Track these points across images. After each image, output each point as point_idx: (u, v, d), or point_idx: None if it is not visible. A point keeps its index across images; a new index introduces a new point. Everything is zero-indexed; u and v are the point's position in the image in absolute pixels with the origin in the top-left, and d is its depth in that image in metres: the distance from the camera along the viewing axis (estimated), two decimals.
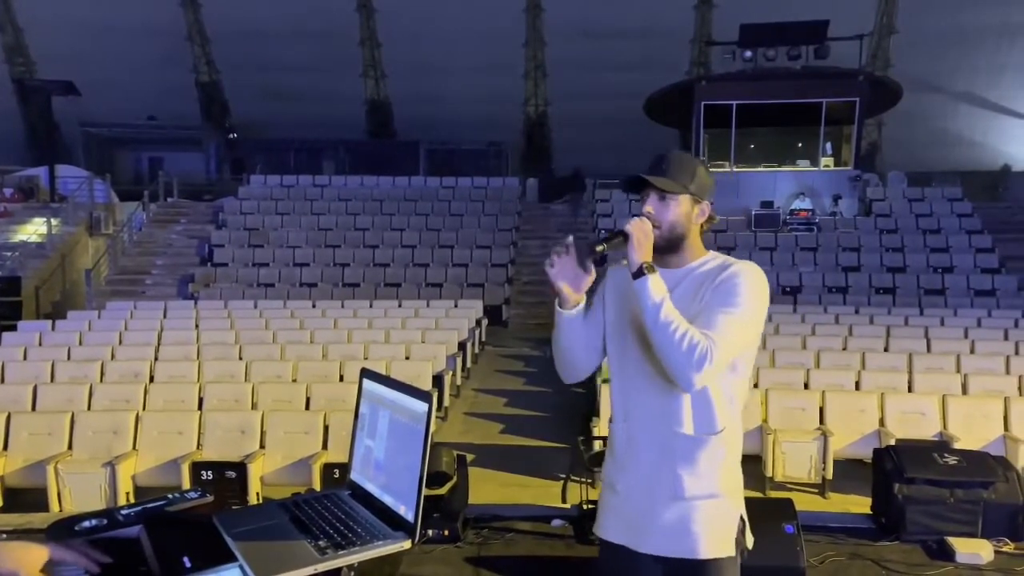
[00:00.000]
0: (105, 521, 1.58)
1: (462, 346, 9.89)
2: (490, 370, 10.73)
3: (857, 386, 7.01)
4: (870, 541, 4.02)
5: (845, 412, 6.27)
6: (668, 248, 2.05)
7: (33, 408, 6.43)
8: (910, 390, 6.92)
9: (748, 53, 18.47)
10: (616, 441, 2.14)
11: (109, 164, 26.31)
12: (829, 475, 5.92)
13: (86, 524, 1.57)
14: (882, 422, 6.21)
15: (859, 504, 5.23)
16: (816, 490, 6.05)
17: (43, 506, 5.36)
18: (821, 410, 6.33)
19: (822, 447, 5.94)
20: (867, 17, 25.45)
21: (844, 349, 8.69)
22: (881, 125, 27.69)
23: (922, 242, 15.69)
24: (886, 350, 8.68)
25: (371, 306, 11.89)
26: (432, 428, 1.45)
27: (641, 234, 1.96)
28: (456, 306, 12.19)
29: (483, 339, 11.95)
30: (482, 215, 17.41)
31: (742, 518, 2.05)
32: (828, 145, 18.72)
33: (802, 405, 6.40)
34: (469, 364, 10.35)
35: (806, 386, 7.04)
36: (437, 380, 7.97)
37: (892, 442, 5.57)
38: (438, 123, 28.16)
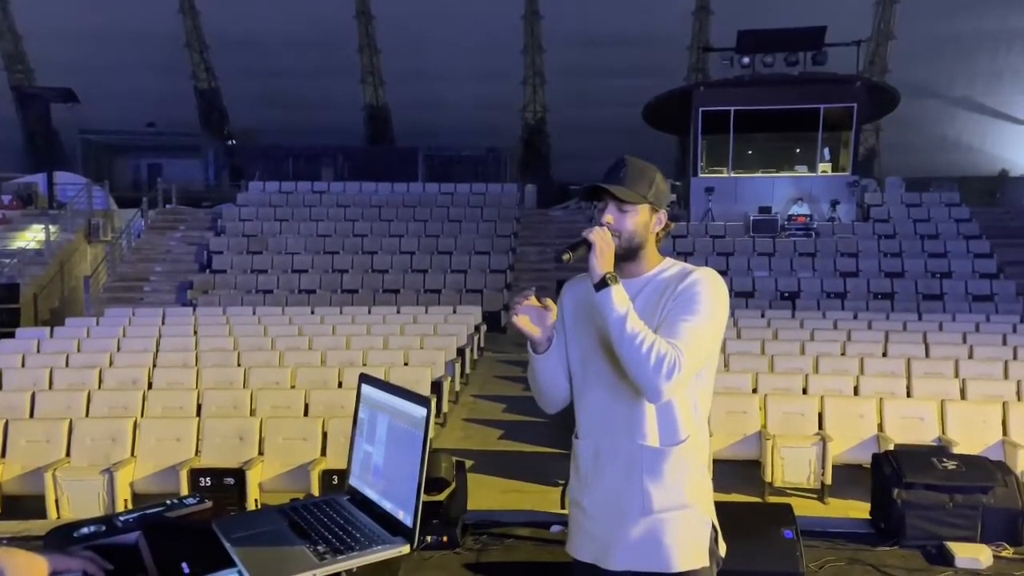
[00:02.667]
0: (104, 528, 1.58)
1: (461, 352, 9.89)
2: (489, 376, 10.73)
3: (856, 391, 7.01)
4: (869, 546, 4.02)
5: (844, 417, 6.27)
6: (626, 257, 2.03)
7: (31, 415, 6.41)
8: (909, 395, 6.92)
9: (746, 59, 18.51)
10: (580, 458, 2.11)
11: (108, 171, 26.33)
12: (828, 480, 5.92)
13: (85, 531, 1.57)
14: (881, 427, 6.20)
15: (858, 509, 5.22)
16: (815, 495, 6.04)
17: (41, 513, 5.34)
18: (820, 415, 6.33)
19: (821, 452, 5.93)
20: (865, 23, 25.57)
21: (843, 354, 8.70)
22: (879, 131, 27.78)
23: (920, 247, 15.71)
24: (885, 355, 8.68)
25: (370, 312, 11.90)
26: (431, 433, 1.45)
27: (603, 243, 1.94)
28: (455, 312, 12.19)
29: (482, 345, 11.95)
30: (481, 221, 17.43)
31: (714, 527, 2.03)
32: (826, 151, 18.75)
33: (801, 410, 6.39)
34: (468, 370, 10.34)
35: (805, 391, 7.04)
36: (436, 386, 7.96)
37: (891, 447, 5.57)
38: (437, 129, 28.23)
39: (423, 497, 1.42)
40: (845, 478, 6.08)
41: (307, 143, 28.37)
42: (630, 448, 1.98)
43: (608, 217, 2.01)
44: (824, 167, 18.67)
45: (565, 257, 1.96)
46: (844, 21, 19.86)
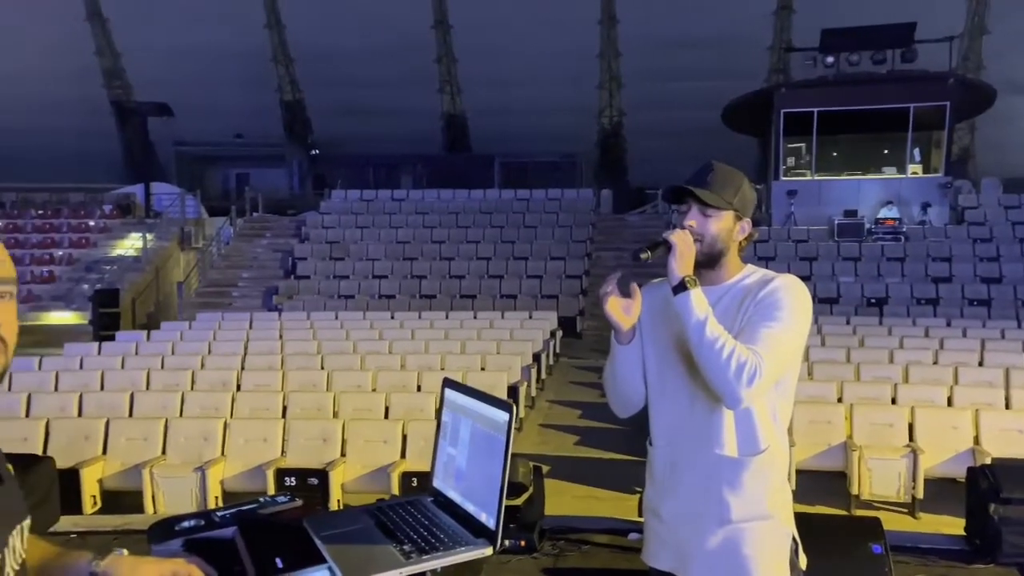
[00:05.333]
0: (203, 522, 1.66)
1: (536, 357, 9.91)
2: (564, 382, 10.71)
3: (949, 402, 6.70)
4: (963, 563, 3.86)
5: (936, 429, 6.01)
6: (707, 263, 1.99)
7: (130, 414, 6.73)
8: (1007, 407, 6.58)
9: (830, 59, 18.00)
10: (656, 465, 2.09)
11: (199, 181, 27.50)
12: (919, 494, 5.68)
13: (185, 524, 1.65)
14: (977, 440, 5.92)
15: (952, 525, 5.01)
16: (905, 510, 5.81)
17: (139, 508, 5.61)
18: (910, 426, 6.09)
19: (912, 465, 5.70)
20: (957, 18, 24.53)
21: (935, 363, 8.34)
22: (974, 129, 26.59)
23: (1019, 251, 14.93)
24: (981, 364, 8.29)
25: (447, 317, 12.04)
26: (512, 439, 1.48)
27: (684, 246, 1.91)
28: (531, 317, 12.23)
29: (557, 350, 11.94)
30: (556, 227, 17.45)
31: (794, 539, 1.99)
32: (916, 151, 18.05)
33: (890, 421, 6.16)
34: (544, 375, 10.36)
35: (894, 401, 6.77)
36: (512, 391, 8.00)
37: (988, 461, 5.31)
38: (513, 136, 28.43)
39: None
40: (937, 492, 5.83)
41: (387, 152, 28.98)
42: (707, 457, 1.96)
43: (691, 221, 1.98)
44: (914, 168, 17.98)
45: (643, 255, 1.95)
46: (935, 17, 19.09)
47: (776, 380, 1.91)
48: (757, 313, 1.92)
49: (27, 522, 1.17)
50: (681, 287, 1.88)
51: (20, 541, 1.14)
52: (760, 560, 1.93)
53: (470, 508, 1.53)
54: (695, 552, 1.98)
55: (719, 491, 1.95)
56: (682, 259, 1.90)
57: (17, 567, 1.12)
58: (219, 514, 1.72)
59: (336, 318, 12.07)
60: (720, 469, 1.95)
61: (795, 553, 1.99)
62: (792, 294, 1.94)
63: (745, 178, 2.05)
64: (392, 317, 12.04)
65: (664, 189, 2.10)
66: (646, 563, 2.13)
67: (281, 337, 10.34)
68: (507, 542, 4.10)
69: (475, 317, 12.13)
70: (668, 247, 1.91)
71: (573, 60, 28.08)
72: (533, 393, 9.32)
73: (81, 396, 6.94)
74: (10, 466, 1.18)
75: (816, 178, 18.06)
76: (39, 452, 5.79)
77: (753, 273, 2.05)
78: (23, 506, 1.18)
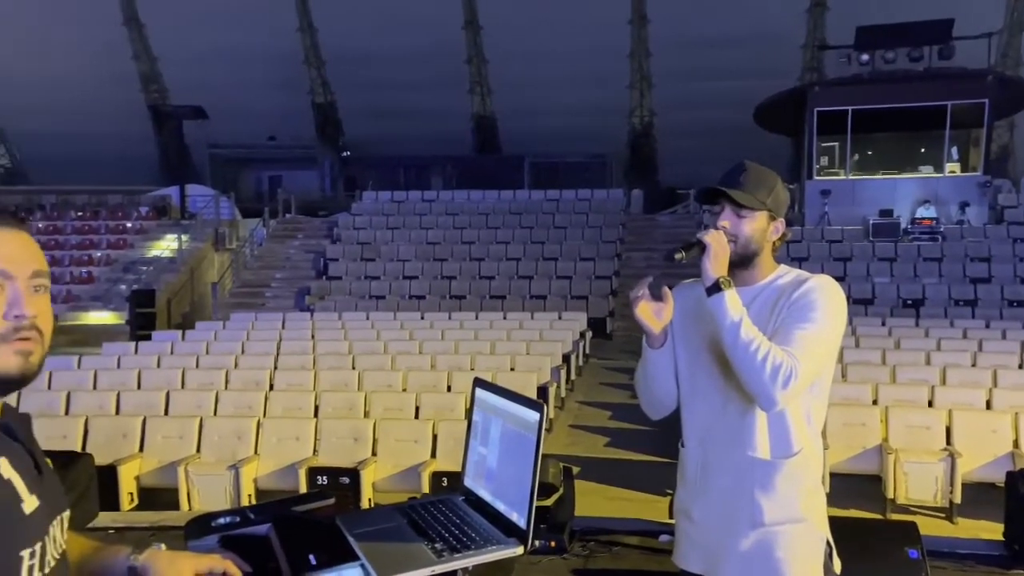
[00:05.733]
0: (238, 519, 1.69)
1: (566, 358, 9.90)
2: (594, 383, 10.68)
3: (988, 405, 6.58)
4: (1002, 569, 3.78)
5: (975, 432, 5.90)
6: (740, 264, 1.97)
7: (166, 412, 6.84)
8: None
9: (865, 56, 17.74)
10: (688, 467, 2.08)
11: (233, 183, 27.88)
12: (957, 498, 5.58)
13: (221, 521, 1.68)
14: (1016, 443, 5.80)
15: (990, 530, 4.91)
16: (943, 514, 5.71)
17: (174, 504, 5.70)
18: (948, 429, 5.98)
19: (949, 468, 5.60)
20: (996, 14, 24.04)
21: (973, 365, 8.19)
22: (1013, 127, 26.01)
23: None
24: (1021, 367, 8.12)
25: (477, 318, 12.07)
26: (543, 438, 1.48)
27: (718, 247, 1.90)
28: (560, 318, 12.21)
29: (587, 351, 11.91)
30: (586, 227, 17.40)
31: (828, 542, 1.97)
32: (954, 150, 17.72)
33: (927, 424, 6.06)
34: (573, 376, 10.34)
35: (931, 404, 6.66)
36: (542, 392, 8.00)
37: None
38: (542, 137, 28.43)
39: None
40: (976, 497, 5.72)
41: (417, 153, 29.14)
42: (740, 459, 1.95)
43: (724, 221, 1.96)
44: (952, 167, 17.66)
45: (677, 256, 1.95)
46: (973, 13, 18.73)
47: (811, 382, 1.89)
48: (791, 314, 1.90)
49: (67, 514, 1.20)
50: (715, 288, 1.87)
51: (60, 532, 1.17)
52: (793, 563, 1.91)
53: (501, 507, 1.54)
54: (726, 554, 1.96)
55: (751, 493, 1.93)
56: (716, 260, 1.89)
57: (57, 556, 1.15)
58: (253, 511, 1.75)
59: (367, 318, 12.16)
60: (752, 471, 1.93)
61: (829, 557, 1.97)
62: (827, 295, 1.92)
63: (778, 178, 2.03)
64: (422, 317, 12.10)
65: (697, 189, 2.08)
66: (677, 565, 2.12)
67: (313, 337, 10.44)
68: (537, 542, 4.10)
69: (505, 318, 12.14)
70: (702, 248, 1.90)
71: (603, 60, 28.01)
72: (563, 394, 9.30)
73: (119, 394, 7.07)
74: (49, 460, 1.20)
75: (850, 177, 17.82)
76: (78, 449, 5.91)
77: (787, 273, 2.03)
78: (63, 498, 1.21)
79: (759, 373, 1.80)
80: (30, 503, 1.08)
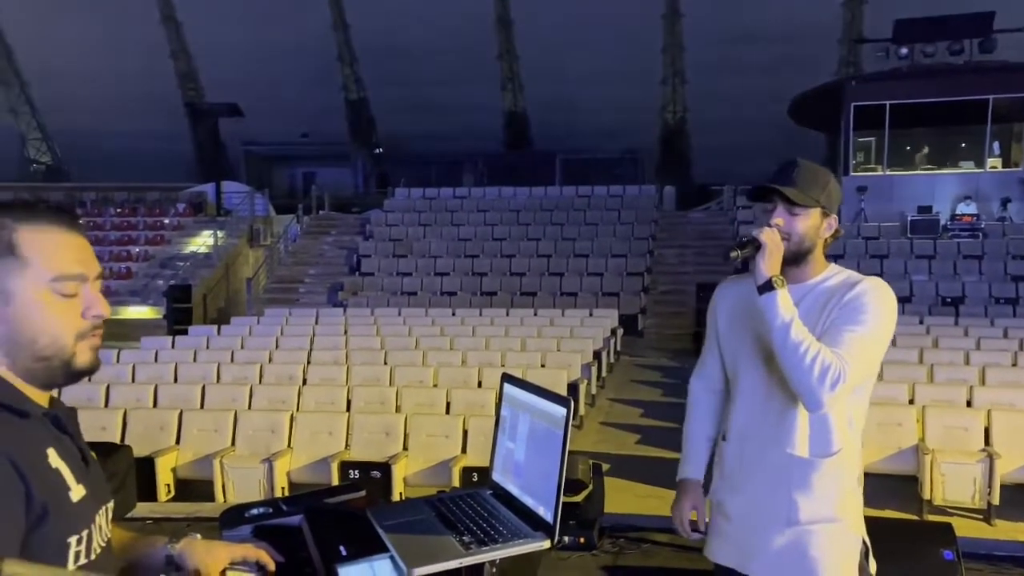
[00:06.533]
0: (271, 510, 1.73)
1: (597, 355, 9.88)
2: (625, 380, 10.65)
3: None
4: None
5: (1015, 433, 5.78)
6: (793, 261, 1.97)
7: (202, 406, 6.97)
8: None
9: (904, 50, 17.41)
10: (726, 460, 2.09)
11: (267, 179, 28.22)
12: (995, 500, 5.48)
13: (255, 511, 1.71)
14: None
15: None
16: (980, 516, 5.61)
17: (210, 496, 5.80)
18: (986, 430, 5.87)
19: (987, 470, 5.50)
20: None
21: (1014, 365, 8.02)
22: None
23: None
24: None
25: (508, 314, 12.10)
26: (570, 434, 1.49)
27: (773, 245, 1.90)
28: (591, 315, 12.19)
29: (618, 349, 11.87)
30: (618, 224, 17.33)
31: (864, 542, 1.96)
32: (995, 145, 17.33)
33: (964, 424, 5.95)
34: (604, 374, 10.31)
35: (969, 404, 6.54)
36: (572, 389, 7.99)
37: None
38: (574, 132, 28.33)
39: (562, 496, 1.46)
40: (1015, 498, 5.62)
41: (449, 149, 29.22)
42: (779, 457, 1.95)
43: (778, 219, 1.96)
44: (993, 162, 17.27)
45: (733, 255, 1.95)
46: (1015, 5, 18.26)
47: (858, 385, 1.89)
48: (842, 316, 1.90)
49: (111, 504, 1.24)
50: (768, 287, 1.87)
51: (105, 521, 1.21)
52: (827, 563, 1.91)
53: (528, 502, 1.55)
54: (759, 550, 1.97)
55: (787, 491, 1.93)
56: (771, 258, 1.89)
57: (103, 544, 1.19)
58: (286, 503, 1.78)
59: (399, 314, 12.24)
60: (790, 469, 1.93)
61: (865, 557, 1.96)
62: (879, 298, 1.92)
63: (831, 175, 2.04)
64: (453, 314, 12.15)
65: (750, 188, 2.09)
66: (708, 558, 2.12)
67: (346, 333, 10.55)
68: (566, 539, 4.11)
69: (535, 314, 12.14)
70: (757, 246, 1.90)
71: (636, 55, 27.82)
72: (594, 391, 9.29)
73: (156, 388, 7.22)
74: (93, 453, 1.25)
75: (888, 173, 17.52)
76: (117, 441, 6.04)
77: (838, 273, 2.03)
78: (107, 489, 1.25)
79: (807, 374, 1.80)
80: (77, 492, 1.12)
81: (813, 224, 1.97)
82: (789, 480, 1.93)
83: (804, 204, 1.94)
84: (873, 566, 1.98)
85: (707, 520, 2.17)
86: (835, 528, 1.92)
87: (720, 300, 2.15)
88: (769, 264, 1.88)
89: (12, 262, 1.10)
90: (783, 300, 1.85)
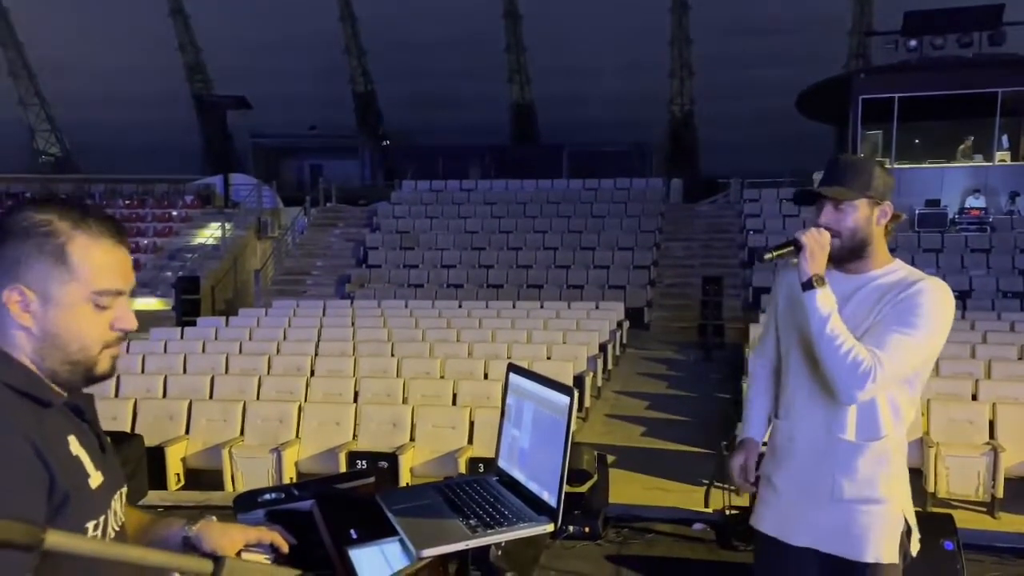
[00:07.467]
0: (283, 495, 1.78)
1: (603, 348, 9.91)
2: (631, 373, 10.68)
3: None
4: None
5: (1020, 427, 5.81)
6: (851, 255, 2.03)
7: (211, 396, 7.04)
8: None
9: (913, 42, 17.32)
10: (777, 437, 2.17)
11: (275, 172, 28.22)
12: (1000, 493, 5.51)
13: (267, 496, 1.77)
14: None
15: None
16: (984, 509, 5.64)
17: (219, 485, 5.87)
18: (991, 424, 5.90)
19: (992, 463, 5.52)
20: None
21: (1020, 359, 8.03)
22: None
23: None
24: None
25: (514, 307, 12.12)
26: (573, 423, 1.53)
27: (816, 245, 1.96)
28: (597, 308, 12.21)
29: (624, 341, 11.90)
30: (624, 217, 17.32)
31: (907, 523, 2.01)
32: (1004, 138, 17.24)
33: (969, 417, 5.98)
34: (610, 366, 10.35)
35: (974, 397, 6.56)
36: (578, 381, 8.03)
37: None
38: (581, 125, 28.28)
39: (565, 488, 1.50)
40: (1019, 491, 5.64)
41: (456, 142, 29.20)
42: (825, 439, 2.01)
43: (825, 218, 2.02)
44: (1002, 156, 17.19)
45: (768, 256, 2.05)
46: None
47: (894, 382, 1.93)
48: (892, 314, 1.94)
49: (125, 489, 1.29)
50: (808, 285, 1.94)
51: (120, 505, 1.26)
52: (871, 539, 1.96)
53: (533, 487, 1.59)
54: (801, 523, 2.04)
55: (831, 472, 2.00)
56: (813, 258, 1.96)
57: (118, 528, 1.23)
58: (297, 488, 1.83)
59: (406, 306, 12.28)
60: (836, 451, 2.00)
61: (907, 537, 2.01)
62: (935, 300, 1.95)
63: (876, 163, 2.09)
64: (460, 306, 12.18)
65: (795, 193, 2.17)
66: (754, 527, 2.19)
67: (353, 324, 10.60)
68: (571, 528, 4.15)
69: (542, 307, 12.17)
70: (798, 247, 1.97)
71: (643, 48, 27.74)
72: (599, 383, 9.32)
73: (165, 378, 7.29)
74: (109, 439, 1.30)
75: (896, 166, 17.45)
76: (128, 431, 6.11)
77: (899, 269, 2.07)
78: (122, 474, 1.30)
79: (839, 368, 1.87)
80: (96, 478, 1.17)
81: (863, 215, 2.02)
82: (834, 461, 1.99)
83: (846, 199, 1.99)
84: (915, 547, 2.03)
85: (756, 473, 2.22)
86: (878, 509, 1.98)
87: (781, 281, 2.22)
88: (811, 264, 1.95)
89: (60, 270, 1.14)
90: (822, 298, 1.92)
